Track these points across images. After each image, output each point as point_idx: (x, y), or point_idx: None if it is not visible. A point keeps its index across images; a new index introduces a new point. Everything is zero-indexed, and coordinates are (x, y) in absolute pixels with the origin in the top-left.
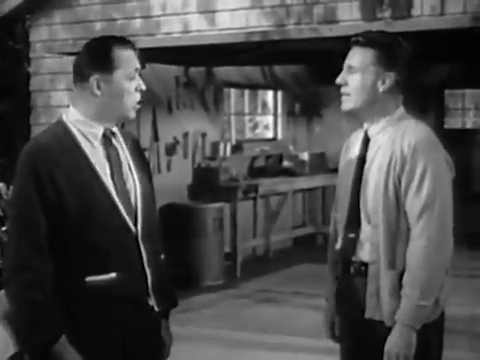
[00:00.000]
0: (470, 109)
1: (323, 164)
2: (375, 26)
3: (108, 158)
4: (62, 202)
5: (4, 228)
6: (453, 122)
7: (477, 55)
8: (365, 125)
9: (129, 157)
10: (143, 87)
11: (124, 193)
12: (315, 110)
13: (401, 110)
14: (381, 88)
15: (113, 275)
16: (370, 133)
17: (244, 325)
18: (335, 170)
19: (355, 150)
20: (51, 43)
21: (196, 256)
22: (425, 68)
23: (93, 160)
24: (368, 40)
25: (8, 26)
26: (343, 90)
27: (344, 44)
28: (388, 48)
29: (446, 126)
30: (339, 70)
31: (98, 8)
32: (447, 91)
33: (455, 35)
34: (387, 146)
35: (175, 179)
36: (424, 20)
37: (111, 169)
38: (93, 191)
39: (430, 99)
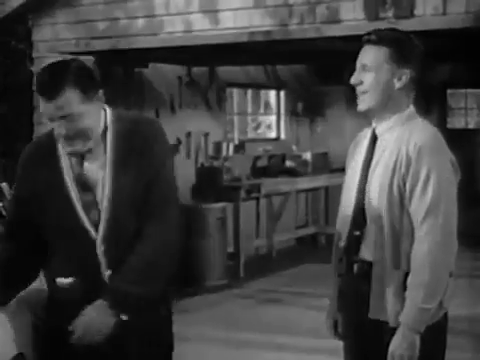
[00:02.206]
0: (473, 109)
1: (326, 164)
2: (378, 25)
3: (81, 164)
4: (34, 206)
5: None
6: (456, 122)
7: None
8: (373, 123)
9: (110, 162)
10: (61, 132)
11: (89, 201)
12: (318, 110)
13: (411, 109)
14: (397, 85)
15: (71, 280)
16: (378, 131)
17: (247, 325)
18: (338, 170)
19: (362, 148)
20: (54, 43)
21: (199, 256)
22: (427, 67)
23: (65, 167)
24: (380, 38)
25: (11, 26)
26: (359, 90)
27: (347, 43)
28: (401, 45)
29: (449, 126)
30: (342, 69)
31: (101, 8)
32: (449, 91)
33: (458, 35)
34: (394, 146)
35: (178, 179)
36: (427, 19)
37: (77, 175)
38: (57, 198)
39: (432, 99)
